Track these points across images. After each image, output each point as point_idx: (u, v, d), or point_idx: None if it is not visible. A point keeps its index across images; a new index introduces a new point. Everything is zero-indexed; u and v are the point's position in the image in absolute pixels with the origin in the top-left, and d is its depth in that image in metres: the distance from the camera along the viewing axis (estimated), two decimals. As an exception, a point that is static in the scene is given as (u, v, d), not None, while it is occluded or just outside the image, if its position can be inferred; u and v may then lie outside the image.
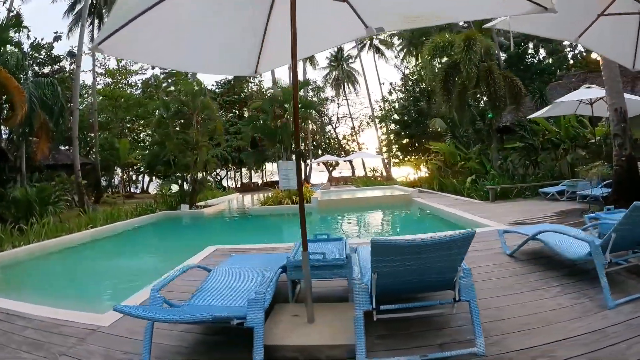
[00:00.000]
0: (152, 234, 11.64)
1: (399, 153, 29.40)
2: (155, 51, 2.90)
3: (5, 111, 14.19)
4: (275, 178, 39.02)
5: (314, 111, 18.57)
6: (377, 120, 35.56)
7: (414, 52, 31.06)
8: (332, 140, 40.45)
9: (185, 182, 15.24)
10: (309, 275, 2.72)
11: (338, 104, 41.71)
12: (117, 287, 5.80)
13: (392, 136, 30.24)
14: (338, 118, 41.38)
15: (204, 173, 16.47)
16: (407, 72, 34.83)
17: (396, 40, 37.49)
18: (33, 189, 11.85)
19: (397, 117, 26.80)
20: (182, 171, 15.09)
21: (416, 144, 25.46)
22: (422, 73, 28.64)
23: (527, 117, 12.21)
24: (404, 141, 26.80)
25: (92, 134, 25.17)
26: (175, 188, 17.01)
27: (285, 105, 16.66)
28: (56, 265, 7.81)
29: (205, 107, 15.15)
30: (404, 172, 34.17)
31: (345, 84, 42.65)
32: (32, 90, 12.42)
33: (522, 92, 13.76)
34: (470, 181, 12.73)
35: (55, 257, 8.21)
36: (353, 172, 36.11)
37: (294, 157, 21.98)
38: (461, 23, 21.65)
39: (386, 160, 31.59)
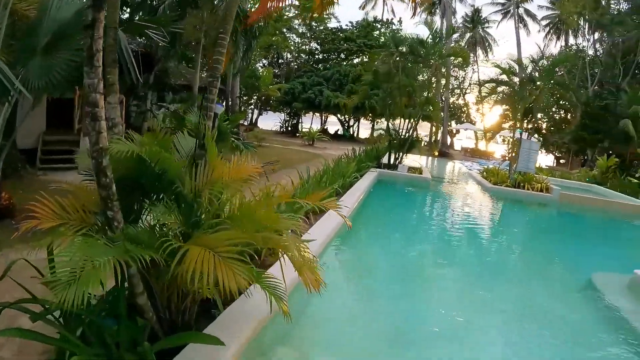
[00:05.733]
0: (434, 208, 8.97)
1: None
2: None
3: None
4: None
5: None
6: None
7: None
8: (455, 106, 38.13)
9: (397, 134, 13.27)
10: None
11: (473, 69, 36.65)
12: None
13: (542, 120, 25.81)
14: (471, 84, 37.82)
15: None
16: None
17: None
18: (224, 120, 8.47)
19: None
20: (392, 119, 13.53)
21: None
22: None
23: None
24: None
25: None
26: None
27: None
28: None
29: (453, 53, 14.04)
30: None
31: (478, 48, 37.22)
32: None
33: None
34: None
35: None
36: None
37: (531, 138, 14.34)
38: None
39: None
